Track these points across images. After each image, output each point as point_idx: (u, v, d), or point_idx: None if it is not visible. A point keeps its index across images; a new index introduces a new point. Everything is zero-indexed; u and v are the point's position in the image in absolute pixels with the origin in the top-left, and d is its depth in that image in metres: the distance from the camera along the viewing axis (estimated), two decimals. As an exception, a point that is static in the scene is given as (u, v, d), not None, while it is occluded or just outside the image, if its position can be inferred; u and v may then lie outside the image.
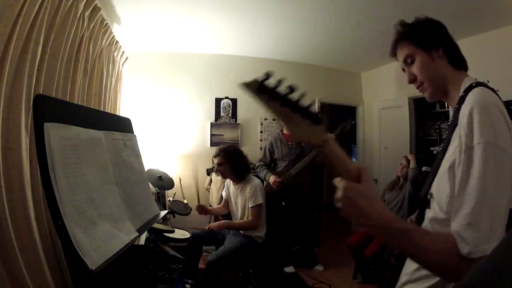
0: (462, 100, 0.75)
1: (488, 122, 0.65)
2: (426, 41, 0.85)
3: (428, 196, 0.81)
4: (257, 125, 4.24)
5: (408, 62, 0.88)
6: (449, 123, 0.81)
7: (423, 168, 2.92)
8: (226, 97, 4.12)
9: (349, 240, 2.93)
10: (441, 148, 0.80)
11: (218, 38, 3.57)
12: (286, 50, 3.96)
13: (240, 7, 2.73)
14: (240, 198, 2.49)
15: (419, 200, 0.87)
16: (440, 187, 0.75)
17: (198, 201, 2.62)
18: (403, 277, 0.82)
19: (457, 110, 0.75)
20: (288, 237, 3.34)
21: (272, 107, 0.63)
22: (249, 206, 2.38)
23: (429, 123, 3.93)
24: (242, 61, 4.16)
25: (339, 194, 0.61)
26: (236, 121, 4.13)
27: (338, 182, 0.62)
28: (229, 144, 2.91)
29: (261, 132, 4.25)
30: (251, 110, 4.18)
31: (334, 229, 4.52)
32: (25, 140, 1.43)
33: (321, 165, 3.56)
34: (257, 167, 3.32)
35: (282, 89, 0.62)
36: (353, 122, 3.76)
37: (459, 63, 0.86)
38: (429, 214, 0.78)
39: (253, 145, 4.15)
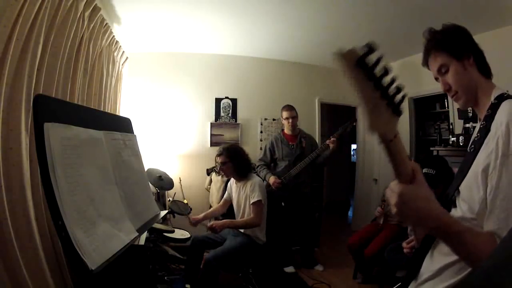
0: (494, 107, 0.78)
1: None
2: (459, 50, 0.86)
3: (454, 196, 0.83)
4: (257, 125, 4.24)
5: (442, 71, 0.89)
6: (481, 126, 0.82)
7: (424, 170, 2.90)
8: (226, 97, 4.12)
9: (349, 240, 2.93)
10: (472, 150, 0.81)
11: (218, 38, 3.57)
12: (286, 50, 3.96)
13: (240, 7, 2.73)
14: (241, 197, 2.49)
15: (445, 199, 0.88)
16: (471, 189, 0.76)
17: (189, 218, 2.55)
18: (424, 274, 0.83)
19: (490, 116, 0.78)
20: (288, 237, 3.34)
21: (364, 88, 0.55)
22: (250, 203, 2.38)
23: (429, 123, 3.93)
24: (242, 61, 4.16)
25: (394, 199, 0.61)
26: (236, 121, 4.13)
27: (394, 186, 0.62)
28: (231, 143, 2.91)
29: (261, 132, 4.25)
30: (251, 110, 4.18)
31: (334, 229, 4.52)
32: (25, 140, 1.43)
33: (322, 165, 3.56)
34: (257, 166, 3.32)
35: (378, 69, 0.54)
36: (355, 123, 3.75)
37: (487, 71, 0.88)
38: (455, 213, 0.80)
39: (253, 145, 4.15)
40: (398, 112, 0.57)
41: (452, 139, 3.23)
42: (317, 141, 3.74)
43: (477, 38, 0.92)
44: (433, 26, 0.93)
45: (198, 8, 2.75)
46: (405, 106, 3.92)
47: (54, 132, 0.91)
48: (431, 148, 3.50)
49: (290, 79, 4.39)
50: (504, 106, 0.76)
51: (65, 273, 1.66)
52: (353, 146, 5.89)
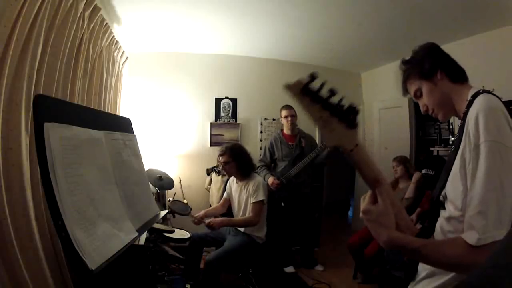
0: (469, 104, 0.80)
1: (493, 123, 0.71)
2: (426, 71, 0.91)
3: (441, 198, 0.84)
4: (257, 125, 4.24)
5: (418, 95, 0.95)
6: (459, 126, 0.84)
7: (424, 171, 2.90)
8: (226, 97, 4.12)
9: (349, 240, 2.93)
10: (452, 150, 0.84)
11: (218, 38, 3.57)
12: (286, 50, 3.96)
13: (240, 7, 2.73)
14: (242, 196, 2.48)
15: (430, 201, 0.90)
16: (454, 186, 0.79)
17: (192, 216, 2.57)
18: (421, 273, 0.86)
19: (465, 114, 0.80)
20: (288, 237, 3.34)
21: (313, 110, 0.64)
22: (251, 202, 2.37)
23: (429, 123, 3.93)
24: (242, 61, 4.16)
25: (366, 223, 0.73)
26: (236, 121, 4.13)
27: (361, 203, 0.74)
28: (234, 143, 2.89)
29: (261, 132, 4.25)
30: (251, 110, 4.18)
31: (334, 229, 4.53)
32: (25, 140, 1.43)
33: (321, 165, 3.56)
34: (257, 167, 3.32)
35: (323, 92, 0.64)
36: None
37: (460, 77, 0.91)
38: (444, 214, 0.82)
39: (253, 145, 4.14)
40: (352, 125, 0.66)
41: (452, 139, 3.23)
42: (316, 141, 3.74)
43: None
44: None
45: (198, 8, 2.75)
46: (404, 106, 3.89)
47: (54, 132, 0.91)
48: (431, 148, 3.50)
49: (290, 79, 4.32)
50: (476, 100, 0.78)
51: (65, 273, 1.66)
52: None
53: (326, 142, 0.71)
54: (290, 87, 0.63)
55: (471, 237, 0.65)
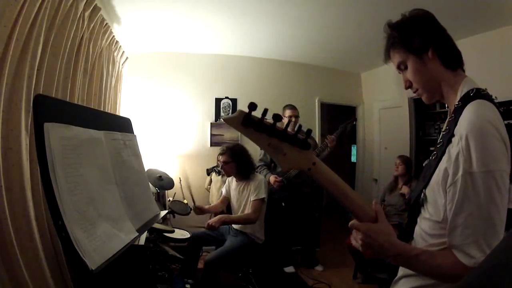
0: (458, 111, 0.74)
1: (485, 148, 0.67)
2: (416, 45, 0.81)
3: (421, 199, 0.83)
4: (257, 125, 4.23)
5: (401, 68, 0.86)
6: (443, 132, 0.79)
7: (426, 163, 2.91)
8: (226, 97, 4.12)
9: (349, 240, 2.92)
10: (434, 157, 0.80)
11: (218, 38, 3.57)
12: (286, 50, 3.96)
13: (240, 7, 2.73)
14: (241, 195, 2.48)
15: (408, 202, 0.90)
16: (435, 195, 0.77)
17: (194, 202, 2.60)
18: (400, 271, 0.86)
19: (452, 121, 0.75)
20: (288, 237, 3.33)
21: (259, 139, 0.63)
22: (251, 200, 2.36)
23: (429, 123, 3.93)
24: (242, 61, 4.16)
25: (360, 235, 0.71)
26: (236, 121, 4.12)
27: (357, 225, 0.71)
28: (235, 143, 2.87)
29: (261, 132, 4.24)
30: (251, 110, 4.17)
31: (334, 229, 4.52)
32: (25, 140, 1.43)
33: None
34: (258, 167, 3.32)
35: (267, 120, 0.62)
36: (355, 122, 3.75)
37: (453, 63, 0.82)
38: (424, 214, 0.81)
39: (253, 145, 4.08)
40: (305, 147, 0.65)
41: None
42: (316, 141, 3.74)
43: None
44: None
45: (198, 8, 2.75)
46: (404, 106, 3.88)
47: (54, 132, 0.91)
48: (431, 148, 3.49)
49: (290, 79, 4.39)
50: (466, 113, 0.72)
51: (65, 273, 1.66)
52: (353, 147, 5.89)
53: (280, 166, 0.67)
54: (230, 120, 0.61)
55: (468, 261, 0.66)
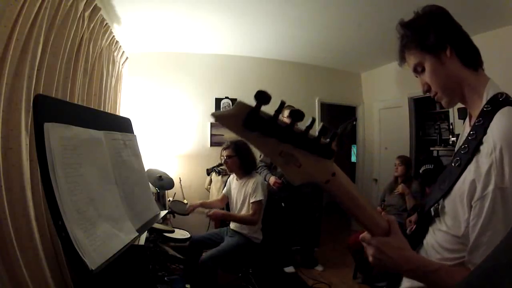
0: (486, 115, 0.68)
1: None
2: (432, 44, 0.73)
3: (438, 208, 0.77)
4: (257, 125, 4.23)
5: (418, 70, 0.79)
6: (470, 137, 0.71)
7: (423, 167, 2.90)
8: (226, 97, 4.12)
9: (349, 240, 2.93)
10: (457, 164, 0.72)
11: (218, 38, 3.57)
12: (286, 50, 3.96)
13: (240, 7, 2.73)
14: (241, 193, 2.48)
15: (421, 210, 0.84)
16: (456, 207, 0.71)
17: (186, 203, 2.62)
18: (405, 283, 0.81)
19: (480, 126, 0.68)
20: (288, 237, 3.33)
21: (267, 146, 0.45)
22: (251, 201, 2.37)
23: (429, 123, 3.93)
24: (242, 61, 4.16)
25: (371, 251, 0.62)
26: (236, 121, 4.12)
27: (369, 239, 0.62)
28: (239, 139, 2.86)
29: (261, 132, 4.24)
30: (251, 110, 4.17)
31: (334, 229, 4.52)
32: (25, 140, 1.43)
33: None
34: (258, 167, 3.32)
35: (281, 119, 0.46)
36: (355, 122, 3.75)
37: (474, 61, 0.75)
38: (440, 226, 0.76)
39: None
40: (328, 155, 0.49)
41: (452, 139, 3.23)
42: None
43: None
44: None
45: (198, 8, 2.75)
46: (404, 106, 3.88)
47: (54, 132, 0.91)
48: (431, 148, 3.50)
49: (290, 79, 4.39)
50: (499, 121, 0.65)
51: (65, 273, 1.66)
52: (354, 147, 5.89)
53: (292, 181, 0.50)
54: (225, 119, 0.41)
55: None
